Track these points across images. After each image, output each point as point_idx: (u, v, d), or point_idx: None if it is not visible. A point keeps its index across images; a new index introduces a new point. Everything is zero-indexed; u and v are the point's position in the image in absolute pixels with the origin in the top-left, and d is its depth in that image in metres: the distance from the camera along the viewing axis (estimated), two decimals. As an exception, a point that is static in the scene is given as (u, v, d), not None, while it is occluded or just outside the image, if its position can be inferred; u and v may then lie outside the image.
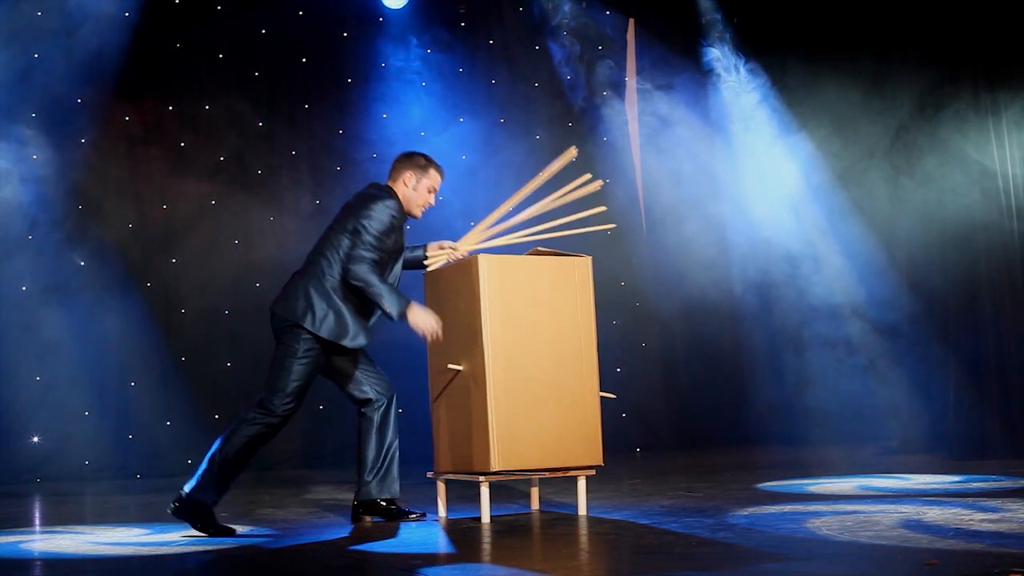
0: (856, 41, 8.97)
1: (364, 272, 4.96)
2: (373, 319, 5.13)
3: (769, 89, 9.98)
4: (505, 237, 5.43)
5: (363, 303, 5.06)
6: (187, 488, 4.89)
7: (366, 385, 5.22)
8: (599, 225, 5.57)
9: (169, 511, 4.91)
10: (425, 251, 5.39)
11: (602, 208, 5.55)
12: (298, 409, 5.03)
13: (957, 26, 8.01)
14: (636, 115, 10.53)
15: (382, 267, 5.05)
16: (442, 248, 5.36)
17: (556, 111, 10.25)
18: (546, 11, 10.30)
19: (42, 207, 8.61)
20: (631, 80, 10.58)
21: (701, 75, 10.36)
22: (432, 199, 5.33)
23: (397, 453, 5.23)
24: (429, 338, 5.06)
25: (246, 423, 4.93)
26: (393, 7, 9.79)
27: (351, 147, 9.63)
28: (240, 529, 5.08)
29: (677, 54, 10.31)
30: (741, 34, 10.33)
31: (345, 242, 5.04)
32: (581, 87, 10.39)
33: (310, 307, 4.98)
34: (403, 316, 4.97)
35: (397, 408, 5.27)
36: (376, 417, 5.21)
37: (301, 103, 9.58)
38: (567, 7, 10.32)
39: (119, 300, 8.78)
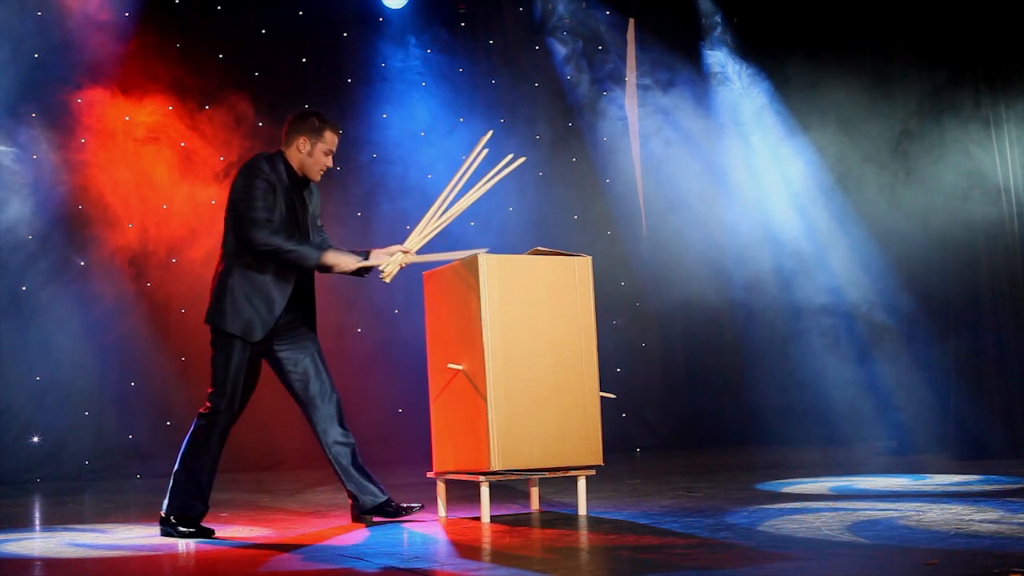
0: (857, 42, 8.98)
1: (264, 237, 4.85)
2: (278, 307, 4.95)
3: (769, 90, 9.98)
4: (444, 219, 5.26)
5: (260, 289, 4.92)
6: (164, 508, 4.93)
7: (309, 401, 5.10)
8: (514, 165, 5.37)
9: (168, 535, 4.92)
10: (369, 257, 5.09)
11: (522, 158, 5.40)
12: (240, 404, 4.98)
13: (958, 28, 8.01)
14: (636, 115, 10.53)
15: (285, 231, 4.92)
16: (391, 254, 5.10)
17: (556, 111, 10.26)
18: (546, 11, 10.30)
19: (42, 207, 8.60)
20: (631, 80, 10.58)
21: (701, 75, 10.37)
22: (329, 161, 5.18)
23: (349, 454, 5.11)
24: (345, 271, 4.95)
25: (194, 433, 4.96)
26: (393, 7, 9.79)
27: (351, 147, 9.62)
28: (240, 529, 5.08)
29: (677, 54, 10.32)
30: (741, 35, 10.34)
31: (230, 224, 4.97)
32: (581, 87, 10.39)
33: (216, 304, 4.95)
34: (322, 264, 4.92)
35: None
36: (325, 427, 5.10)
37: (301, 103, 9.57)
38: (567, 7, 10.32)
39: (119, 300, 8.78)
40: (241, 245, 4.94)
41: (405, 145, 9.71)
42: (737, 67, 10.27)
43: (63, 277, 8.66)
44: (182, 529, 4.88)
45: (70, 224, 8.72)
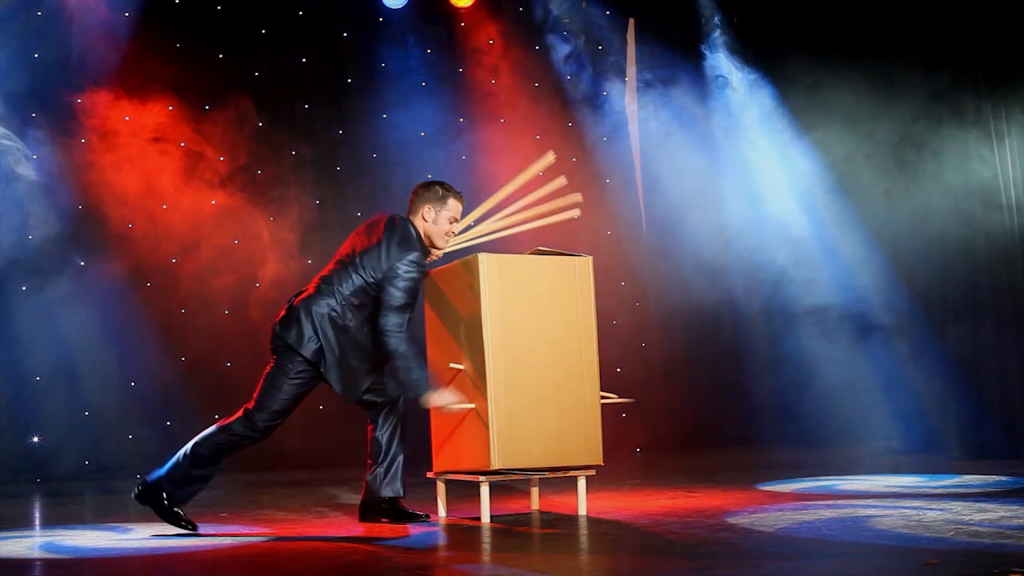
0: (858, 43, 8.97)
1: (396, 344, 4.87)
2: (370, 369, 5.05)
3: (770, 90, 9.98)
4: (479, 231, 5.39)
5: (367, 354, 5.01)
6: (154, 476, 4.99)
7: (372, 390, 5.15)
8: (567, 210, 5.47)
9: (133, 496, 4.99)
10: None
11: (577, 197, 5.49)
12: (279, 426, 5.06)
13: (960, 30, 8.02)
14: (636, 115, 10.53)
15: (409, 316, 4.99)
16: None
17: (556, 111, 10.25)
18: (546, 11, 10.30)
19: (42, 207, 8.60)
20: (631, 80, 10.58)
21: (701, 75, 10.37)
22: (455, 228, 5.23)
23: (401, 453, 5.20)
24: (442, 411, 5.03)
25: (225, 431, 4.98)
26: (393, 6, 9.78)
27: (351, 147, 9.63)
28: (240, 529, 5.08)
29: (677, 53, 10.32)
30: (741, 35, 10.33)
31: (367, 287, 4.96)
32: (581, 86, 10.39)
33: (311, 336, 4.93)
34: (423, 400, 4.94)
35: (402, 408, 5.23)
36: (380, 419, 5.19)
37: (301, 103, 9.58)
38: (567, 7, 10.32)
39: (119, 300, 8.77)
40: (368, 317, 4.98)
41: (405, 145, 9.70)
42: (737, 68, 10.27)
43: (63, 277, 8.65)
44: (165, 504, 4.94)
45: (70, 224, 8.71)
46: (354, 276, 4.99)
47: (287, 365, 4.95)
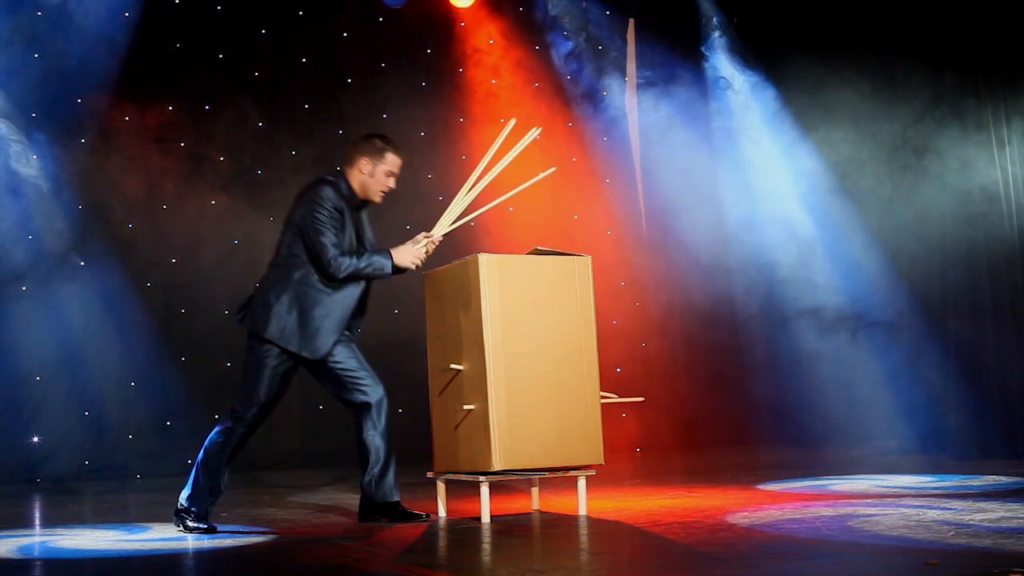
0: (859, 43, 8.97)
1: (341, 267, 4.99)
2: (339, 320, 5.08)
3: (770, 90, 9.98)
4: (468, 201, 5.33)
5: (325, 305, 5.05)
6: (183, 498, 5.06)
7: (355, 391, 5.14)
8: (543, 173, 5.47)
9: (180, 529, 5.03)
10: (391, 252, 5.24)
11: (537, 129, 5.48)
12: (269, 414, 5.14)
13: (960, 29, 8.02)
14: (636, 115, 10.53)
15: (350, 252, 5.05)
16: (417, 242, 5.21)
17: (556, 110, 10.25)
18: (546, 11, 10.29)
19: (42, 207, 8.60)
20: (631, 80, 10.58)
21: (701, 75, 10.37)
22: (392, 183, 5.26)
23: (393, 454, 5.18)
24: (419, 263, 5.14)
25: (220, 431, 5.07)
26: (393, 5, 9.77)
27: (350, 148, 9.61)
28: (240, 529, 5.08)
29: (677, 53, 10.31)
30: (741, 35, 10.33)
31: (296, 244, 5.08)
32: (581, 86, 10.39)
33: (271, 317, 5.02)
34: (397, 266, 5.07)
35: (391, 407, 5.21)
36: (369, 420, 5.16)
37: (301, 103, 9.57)
38: (567, 7, 10.32)
39: (119, 300, 8.77)
40: (310, 268, 5.05)
41: (405, 145, 9.67)
42: (737, 68, 10.27)
43: (63, 277, 8.65)
44: (190, 523, 5.00)
45: (70, 224, 8.71)
46: (286, 237, 5.13)
47: (254, 350, 5.06)
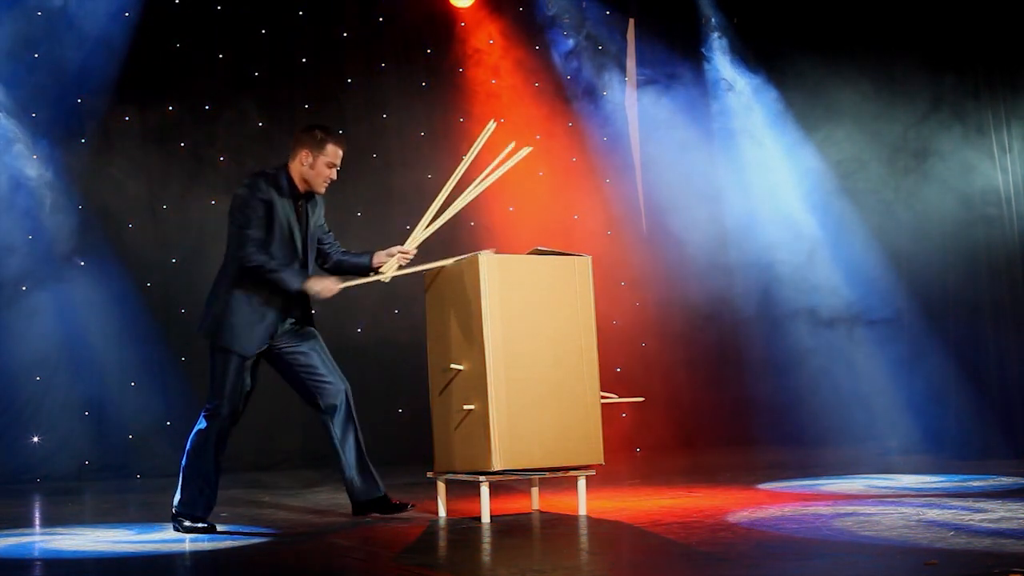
0: (860, 44, 8.97)
1: (251, 255, 4.97)
2: (273, 320, 5.06)
3: (770, 90, 9.97)
4: (443, 216, 5.30)
5: (259, 303, 5.03)
6: (175, 503, 5.09)
7: (317, 392, 5.15)
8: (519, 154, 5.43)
9: (176, 530, 5.05)
10: (372, 259, 5.26)
11: (528, 148, 5.44)
12: (242, 409, 5.13)
13: (960, 30, 8.02)
14: (636, 115, 10.53)
15: (267, 246, 5.02)
16: (391, 255, 5.21)
17: (556, 111, 10.25)
18: (546, 11, 10.29)
19: (42, 207, 8.60)
20: (631, 80, 10.58)
21: (701, 75, 10.36)
22: (333, 174, 5.25)
23: (364, 453, 5.19)
24: (329, 296, 5.07)
25: (196, 432, 5.11)
26: None
27: (351, 148, 9.58)
28: (240, 529, 5.08)
29: (677, 53, 10.31)
30: (742, 36, 10.33)
31: (232, 241, 5.09)
32: (581, 86, 10.39)
33: (207, 315, 5.09)
34: (304, 290, 5.02)
35: (353, 404, 5.21)
36: (337, 422, 5.16)
37: (301, 103, 9.57)
38: (567, 7, 10.32)
39: (119, 300, 8.77)
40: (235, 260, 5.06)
41: (405, 146, 9.70)
42: (737, 68, 10.27)
43: (63, 277, 8.65)
44: (187, 524, 5.01)
45: (70, 224, 8.71)
46: (228, 241, 5.12)
47: (212, 352, 5.08)
